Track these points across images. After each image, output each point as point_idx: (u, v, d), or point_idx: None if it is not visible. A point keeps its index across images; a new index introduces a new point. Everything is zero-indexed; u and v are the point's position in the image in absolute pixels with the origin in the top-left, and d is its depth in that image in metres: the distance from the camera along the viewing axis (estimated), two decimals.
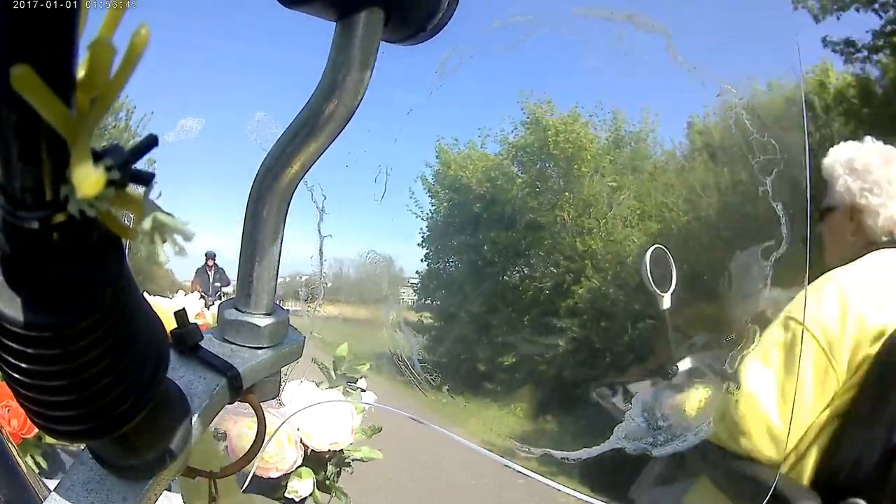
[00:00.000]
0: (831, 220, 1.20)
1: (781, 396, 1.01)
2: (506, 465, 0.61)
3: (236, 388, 0.34)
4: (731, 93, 0.64)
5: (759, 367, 1.04)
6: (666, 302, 0.97)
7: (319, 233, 0.71)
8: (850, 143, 1.23)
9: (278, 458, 0.86)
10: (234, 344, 0.35)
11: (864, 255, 1.13)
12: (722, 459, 1.06)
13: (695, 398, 0.92)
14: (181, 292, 1.09)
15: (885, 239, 1.12)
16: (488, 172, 2.96)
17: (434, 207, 3.14)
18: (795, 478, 1.06)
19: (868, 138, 1.20)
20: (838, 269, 1.11)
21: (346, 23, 0.30)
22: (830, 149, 1.22)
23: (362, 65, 0.31)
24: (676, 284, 0.95)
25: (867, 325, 1.03)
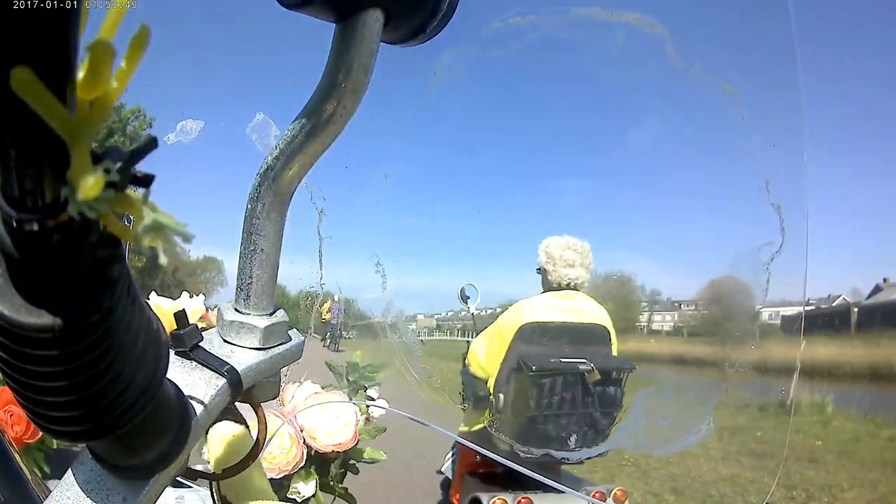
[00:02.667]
0: (541, 275, 2.54)
1: (484, 349, 2.45)
2: (506, 465, 0.61)
3: (236, 388, 0.34)
4: (732, 93, 0.64)
5: (481, 338, 2.52)
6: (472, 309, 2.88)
7: (319, 234, 0.71)
8: (551, 237, 2.55)
9: (281, 458, 0.86)
10: (233, 344, 0.35)
11: (546, 292, 2.50)
12: (470, 377, 2.56)
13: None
14: (184, 294, 1.09)
15: (555, 286, 2.47)
16: None
17: None
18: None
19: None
20: (528, 298, 2.52)
21: (346, 24, 0.30)
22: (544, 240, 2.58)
23: (362, 66, 0.31)
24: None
25: (522, 322, 2.36)
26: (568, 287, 2.39)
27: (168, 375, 0.27)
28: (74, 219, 0.17)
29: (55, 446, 0.88)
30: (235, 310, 0.36)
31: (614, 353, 2.40)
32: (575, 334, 2.33)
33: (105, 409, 0.23)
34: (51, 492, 0.29)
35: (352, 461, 0.96)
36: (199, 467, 0.39)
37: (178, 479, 0.35)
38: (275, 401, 0.56)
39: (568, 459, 2.23)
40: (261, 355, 0.35)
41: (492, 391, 2.34)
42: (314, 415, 0.91)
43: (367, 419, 0.97)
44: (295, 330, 0.38)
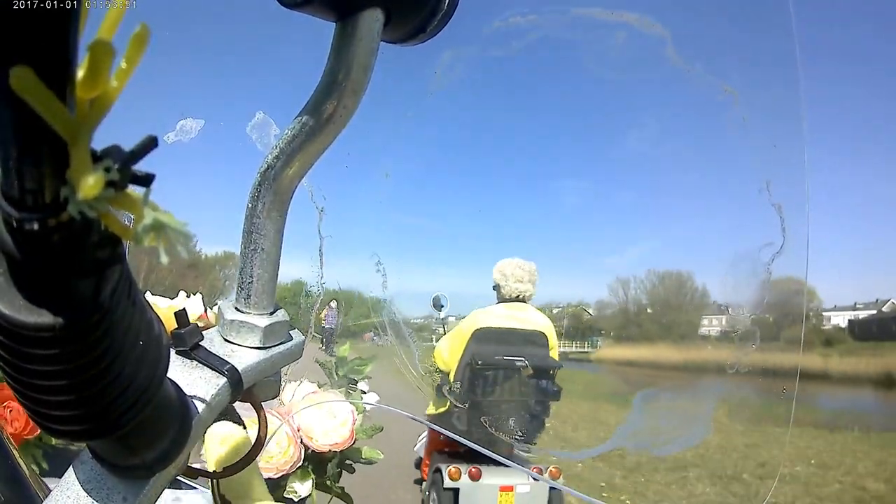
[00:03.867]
0: (496, 291, 3.03)
1: (447, 347, 2.94)
2: (507, 465, 0.60)
3: (237, 387, 0.34)
4: (732, 94, 0.64)
5: (445, 338, 3.03)
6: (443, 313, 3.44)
7: (319, 234, 0.71)
8: (504, 259, 3.01)
9: (279, 458, 0.86)
10: (234, 344, 0.35)
11: (500, 303, 3.01)
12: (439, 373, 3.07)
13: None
14: (182, 293, 1.09)
15: (507, 298, 2.96)
16: None
17: None
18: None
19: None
20: (485, 308, 3.04)
21: (346, 23, 0.30)
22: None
23: (362, 66, 0.31)
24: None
25: (477, 326, 2.87)
26: (517, 299, 3.01)
27: (169, 374, 0.27)
28: (75, 218, 0.17)
29: (54, 444, 0.88)
30: (236, 309, 0.36)
31: (553, 354, 3.01)
32: (518, 338, 2.97)
33: (106, 408, 0.23)
34: (50, 491, 0.29)
35: (348, 461, 0.96)
36: (195, 466, 0.39)
37: (178, 478, 0.35)
38: (275, 400, 0.56)
39: (522, 437, 2.81)
40: (261, 354, 0.35)
41: (451, 381, 2.96)
42: (311, 414, 0.91)
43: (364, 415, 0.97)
44: (296, 329, 0.38)
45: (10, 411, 0.82)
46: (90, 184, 0.16)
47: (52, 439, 0.85)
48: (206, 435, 0.46)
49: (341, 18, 0.30)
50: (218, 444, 0.45)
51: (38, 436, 0.85)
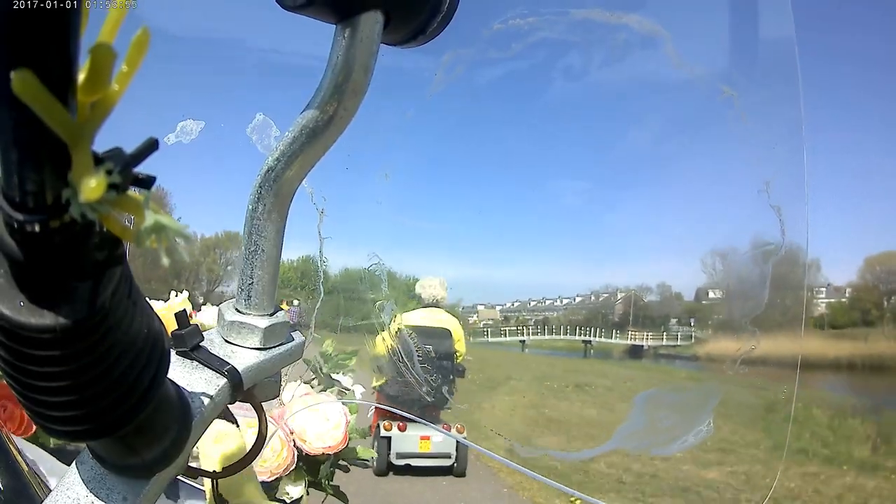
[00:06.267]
0: (419, 299, 4.42)
1: (382, 339, 2.62)
2: (507, 466, 0.61)
3: (237, 388, 0.34)
4: (731, 94, 0.64)
5: (381, 337, 2.62)
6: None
7: (319, 235, 0.71)
8: (425, 277, 4.43)
9: (272, 462, 0.86)
10: (234, 345, 0.35)
11: (421, 308, 4.36)
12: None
13: None
14: (181, 293, 1.09)
15: (426, 304, 4.38)
16: None
17: None
18: None
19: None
20: (410, 311, 4.27)
21: (346, 25, 0.30)
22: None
23: (362, 67, 0.31)
24: None
25: (403, 324, 2.64)
26: (433, 304, 4.35)
27: (169, 375, 0.27)
28: (76, 220, 0.17)
29: (52, 445, 0.88)
30: (236, 310, 0.36)
31: (457, 346, 4.32)
32: (430, 332, 4.06)
33: (106, 408, 0.23)
34: (50, 490, 0.29)
35: (342, 461, 0.96)
36: (195, 466, 0.39)
37: (178, 478, 0.35)
38: (275, 400, 0.56)
39: (433, 402, 3.29)
40: (262, 355, 0.35)
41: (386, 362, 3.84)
42: (304, 417, 0.91)
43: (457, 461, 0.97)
44: (296, 330, 0.38)
45: (5, 410, 0.81)
46: (92, 186, 0.16)
47: (52, 439, 0.85)
48: None
49: (341, 20, 0.30)
50: (212, 442, 0.46)
51: (34, 434, 0.85)
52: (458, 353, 4.39)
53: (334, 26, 0.31)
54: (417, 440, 4.41)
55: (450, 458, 4.50)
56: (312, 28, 0.31)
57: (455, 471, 4.56)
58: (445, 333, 4.34)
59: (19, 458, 0.50)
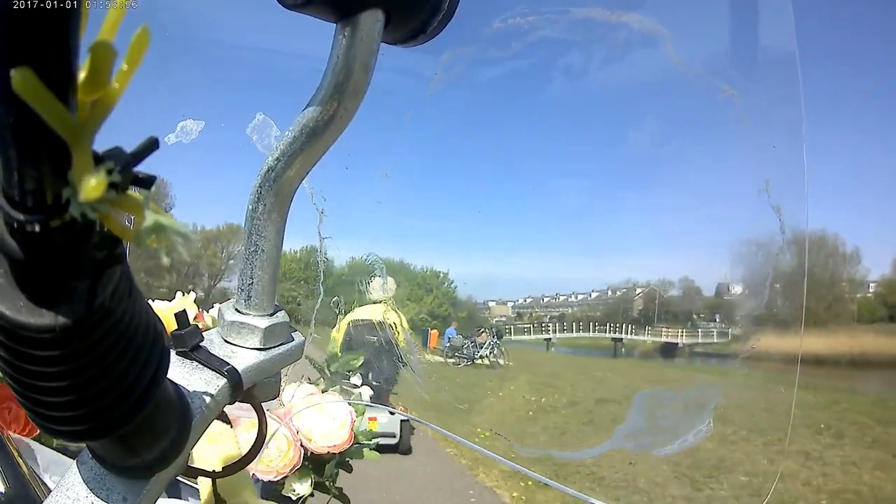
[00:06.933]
0: (368, 297, 3.19)
1: (336, 331, 2.56)
2: (508, 466, 0.61)
3: (237, 388, 0.34)
4: (731, 93, 0.64)
5: (337, 327, 2.57)
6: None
7: (319, 234, 0.71)
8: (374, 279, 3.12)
9: (279, 461, 0.86)
10: (234, 345, 0.35)
11: (370, 304, 2.96)
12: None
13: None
14: (179, 293, 1.09)
15: (373, 301, 2.84)
16: None
17: None
18: None
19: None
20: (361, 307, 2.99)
21: (347, 24, 0.30)
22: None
23: (363, 66, 0.31)
24: None
25: (352, 318, 2.47)
26: (380, 301, 4.42)
27: (169, 375, 0.27)
28: (76, 219, 0.17)
29: (54, 445, 0.88)
30: (236, 310, 0.36)
31: (398, 339, 4.38)
32: (375, 325, 4.16)
33: (106, 408, 0.23)
34: (51, 490, 0.29)
35: (347, 459, 0.97)
36: (195, 466, 0.39)
37: (178, 478, 0.35)
38: (275, 400, 0.56)
39: (379, 385, 3.65)
40: (261, 355, 0.35)
41: (338, 353, 3.77)
42: (310, 417, 0.91)
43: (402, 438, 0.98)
44: (296, 330, 0.38)
45: (9, 412, 0.81)
46: (92, 185, 0.16)
47: (54, 440, 0.85)
48: None
49: (342, 19, 0.30)
50: (206, 442, 0.46)
51: (39, 436, 0.85)
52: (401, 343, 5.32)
53: (334, 25, 0.31)
54: (366, 421, 5.43)
55: (395, 437, 5.33)
56: (312, 27, 0.31)
57: (400, 448, 5.45)
58: (388, 327, 5.31)
59: (19, 459, 0.50)
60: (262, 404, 0.39)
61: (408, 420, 4.84)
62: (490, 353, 12.07)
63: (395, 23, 0.31)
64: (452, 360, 11.42)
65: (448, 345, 11.95)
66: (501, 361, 12.14)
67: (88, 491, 0.29)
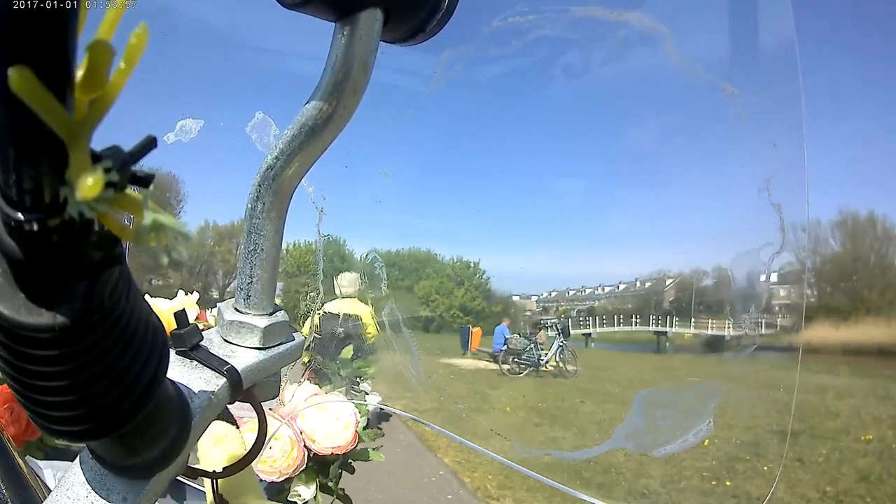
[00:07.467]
0: (338, 293, 4.01)
1: (309, 325, 2.63)
2: (507, 466, 0.61)
3: (236, 387, 0.34)
4: (732, 93, 0.64)
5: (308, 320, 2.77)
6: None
7: (319, 233, 0.71)
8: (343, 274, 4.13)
9: (282, 461, 0.86)
10: (233, 344, 0.35)
11: (340, 299, 3.94)
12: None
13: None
14: (181, 292, 1.09)
15: (343, 296, 4.07)
16: None
17: None
18: None
19: None
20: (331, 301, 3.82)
21: (346, 23, 0.30)
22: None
23: (362, 65, 0.31)
24: None
25: (324, 311, 2.91)
26: (348, 296, 4.71)
27: (168, 375, 0.27)
28: (74, 219, 0.17)
29: (56, 445, 0.88)
30: (235, 309, 0.36)
31: (368, 330, 4.31)
32: (344, 318, 4.56)
33: (105, 408, 0.23)
34: (51, 490, 0.29)
35: (350, 461, 0.96)
36: (195, 466, 0.39)
37: (178, 478, 0.35)
38: (275, 400, 0.56)
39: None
40: (261, 355, 0.35)
41: (310, 342, 3.97)
42: (314, 417, 0.91)
43: (369, 422, 0.98)
44: (296, 330, 0.38)
45: (12, 413, 0.81)
46: (89, 184, 0.16)
47: (54, 440, 0.85)
48: None
49: (341, 18, 0.30)
50: (212, 443, 0.46)
51: (40, 437, 0.85)
52: (369, 335, 4.99)
53: (333, 24, 0.31)
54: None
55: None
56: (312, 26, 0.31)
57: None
58: (355, 319, 5.09)
59: (19, 459, 0.50)
60: (262, 404, 0.39)
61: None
62: (556, 356, 9.42)
63: (395, 21, 0.31)
64: (508, 367, 9.35)
65: (504, 347, 9.72)
66: (571, 368, 9.37)
67: (88, 491, 0.29)
